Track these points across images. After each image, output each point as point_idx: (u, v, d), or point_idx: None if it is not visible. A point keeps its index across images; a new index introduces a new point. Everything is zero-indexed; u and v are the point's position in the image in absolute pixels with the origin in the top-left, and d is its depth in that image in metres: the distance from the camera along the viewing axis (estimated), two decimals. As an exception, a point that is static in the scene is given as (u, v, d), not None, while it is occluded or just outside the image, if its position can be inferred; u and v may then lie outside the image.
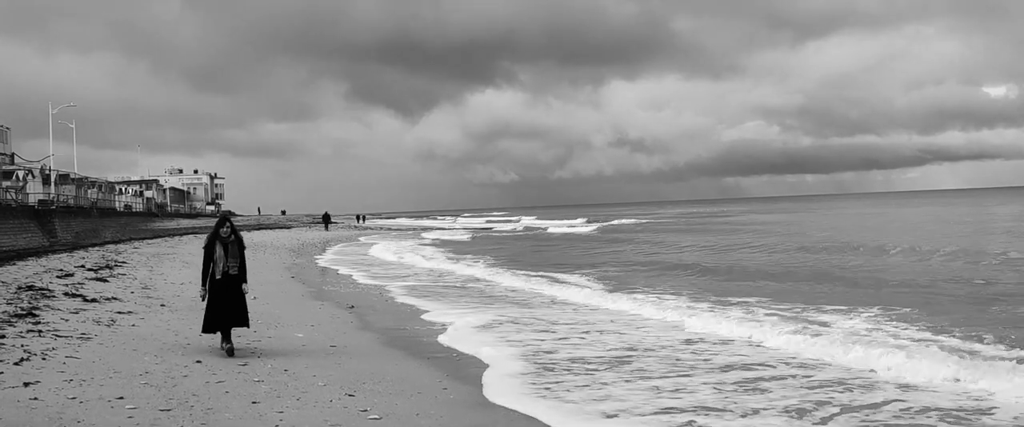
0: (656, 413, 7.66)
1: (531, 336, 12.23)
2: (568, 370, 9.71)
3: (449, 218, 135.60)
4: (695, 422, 7.34)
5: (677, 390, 8.58)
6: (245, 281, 10.16)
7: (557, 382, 9.07)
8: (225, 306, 9.90)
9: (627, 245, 39.68)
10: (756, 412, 7.67)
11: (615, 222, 78.58)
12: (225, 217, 10.29)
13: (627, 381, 9.05)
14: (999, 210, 65.19)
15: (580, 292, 18.14)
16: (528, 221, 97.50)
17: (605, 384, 8.92)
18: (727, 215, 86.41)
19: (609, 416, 7.60)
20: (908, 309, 13.80)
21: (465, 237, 57.59)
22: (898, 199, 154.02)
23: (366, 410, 7.51)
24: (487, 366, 10.02)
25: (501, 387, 8.87)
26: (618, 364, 10.02)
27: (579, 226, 71.86)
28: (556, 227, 72.58)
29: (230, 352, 9.84)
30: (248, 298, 10.33)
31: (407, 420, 7.24)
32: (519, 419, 7.60)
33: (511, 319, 14.03)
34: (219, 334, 10.10)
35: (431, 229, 77.87)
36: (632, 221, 78.54)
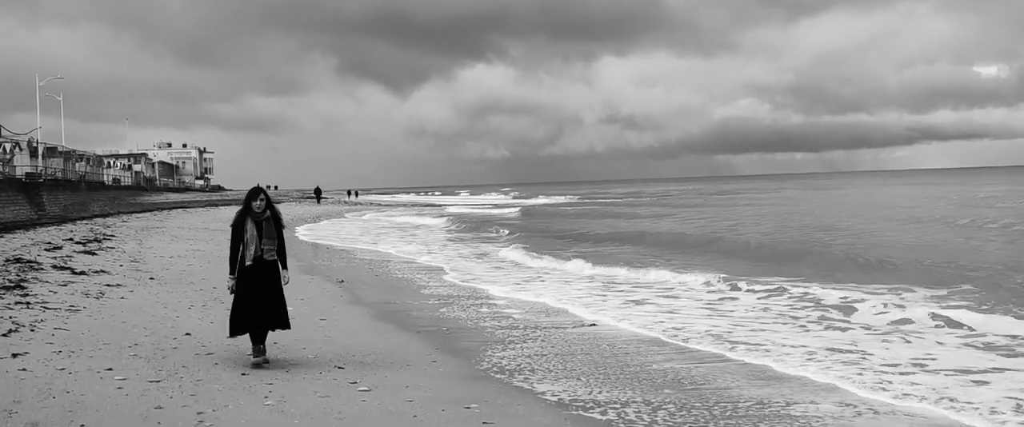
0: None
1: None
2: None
3: (419, 193, 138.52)
4: None
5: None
6: (285, 267, 8.21)
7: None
8: (258, 301, 7.94)
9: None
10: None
11: (539, 202, 76.92)
12: (258, 188, 8.25)
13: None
14: (949, 192, 65.31)
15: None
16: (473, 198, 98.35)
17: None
18: (680, 196, 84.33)
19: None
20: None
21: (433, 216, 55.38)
22: (875, 179, 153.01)
23: (355, 382, 7.54)
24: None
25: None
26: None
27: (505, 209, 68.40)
28: (481, 208, 69.70)
29: (262, 361, 7.93)
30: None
31: (396, 392, 7.28)
32: (511, 391, 7.64)
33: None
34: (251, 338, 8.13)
35: (393, 205, 76.36)
36: (564, 199, 77.23)
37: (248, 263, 7.93)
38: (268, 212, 8.13)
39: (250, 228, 7.99)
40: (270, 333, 8.28)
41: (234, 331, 8.01)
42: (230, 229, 8.14)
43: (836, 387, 7.72)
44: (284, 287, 8.23)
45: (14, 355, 7.52)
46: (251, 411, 6.37)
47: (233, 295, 8.04)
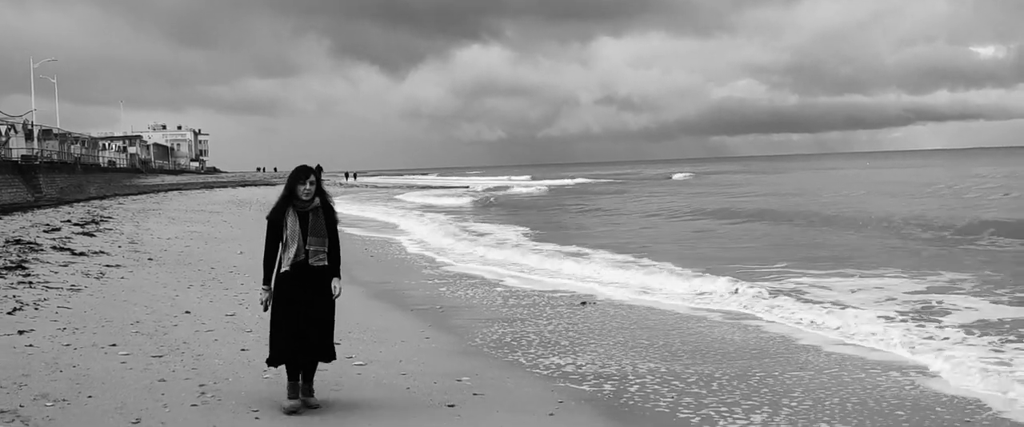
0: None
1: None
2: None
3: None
4: None
5: None
6: (337, 275, 6.03)
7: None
8: (301, 324, 5.86)
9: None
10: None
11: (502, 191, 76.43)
12: (305, 169, 6.18)
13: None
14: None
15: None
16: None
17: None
18: (651, 182, 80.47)
19: None
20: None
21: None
22: (854, 162, 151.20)
23: (351, 357, 7.79)
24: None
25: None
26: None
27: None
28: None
29: (298, 405, 5.93)
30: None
31: (391, 366, 7.54)
32: (503, 365, 7.90)
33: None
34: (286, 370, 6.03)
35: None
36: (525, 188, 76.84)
37: (285, 269, 5.87)
38: (317, 200, 6.06)
39: (291, 222, 5.91)
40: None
41: (274, 360, 5.96)
42: (266, 221, 6.04)
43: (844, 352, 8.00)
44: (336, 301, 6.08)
45: (20, 332, 7.76)
46: (251, 384, 6.62)
47: (267, 311, 6.04)
